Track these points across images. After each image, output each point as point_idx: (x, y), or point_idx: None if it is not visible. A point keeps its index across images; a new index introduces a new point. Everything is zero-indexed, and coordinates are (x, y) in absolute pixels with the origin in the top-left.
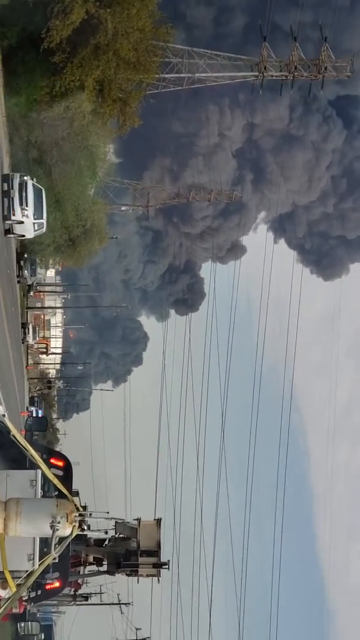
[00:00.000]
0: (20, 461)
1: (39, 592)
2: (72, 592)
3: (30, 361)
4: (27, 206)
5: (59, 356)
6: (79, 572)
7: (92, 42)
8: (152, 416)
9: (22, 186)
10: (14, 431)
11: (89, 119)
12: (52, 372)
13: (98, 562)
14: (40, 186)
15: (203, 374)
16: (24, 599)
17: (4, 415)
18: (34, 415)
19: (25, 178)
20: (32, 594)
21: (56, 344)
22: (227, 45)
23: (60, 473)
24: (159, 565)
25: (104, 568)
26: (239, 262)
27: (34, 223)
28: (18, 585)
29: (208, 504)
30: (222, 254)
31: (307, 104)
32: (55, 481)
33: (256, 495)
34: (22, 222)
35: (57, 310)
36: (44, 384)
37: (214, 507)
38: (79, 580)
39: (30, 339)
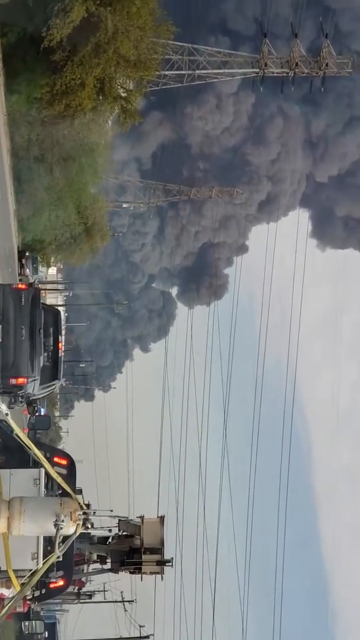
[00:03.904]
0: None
1: (43, 590)
2: (75, 591)
3: None
4: None
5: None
6: (83, 570)
7: (93, 40)
8: (155, 411)
9: None
10: (17, 430)
11: (90, 116)
12: None
13: (102, 560)
14: None
15: (205, 370)
16: (27, 598)
17: (6, 414)
18: (37, 413)
19: None
20: (36, 593)
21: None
22: (228, 42)
23: (63, 471)
24: (162, 563)
25: (108, 566)
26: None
27: None
28: (22, 584)
29: (211, 501)
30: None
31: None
32: (59, 480)
33: (259, 493)
34: None
35: (59, 307)
36: None
37: (217, 504)
38: (83, 579)
39: None
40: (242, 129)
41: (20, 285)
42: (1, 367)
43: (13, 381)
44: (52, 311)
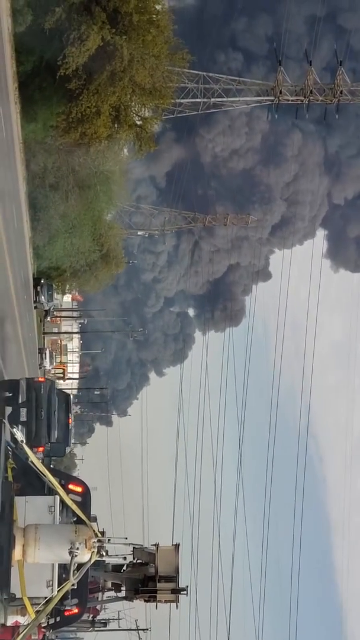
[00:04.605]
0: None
1: (58, 618)
2: (90, 618)
3: None
4: None
5: (76, 381)
6: (97, 598)
7: (108, 68)
8: (170, 437)
9: None
10: (32, 457)
11: (105, 144)
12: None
13: (116, 587)
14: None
15: (220, 397)
16: (42, 625)
17: (22, 442)
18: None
19: None
20: (51, 621)
21: (73, 369)
22: (241, 58)
23: (78, 499)
24: (177, 591)
25: (122, 594)
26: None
27: None
28: (37, 612)
29: (226, 529)
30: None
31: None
32: (74, 507)
33: (274, 521)
34: None
35: (74, 335)
36: None
37: (232, 531)
38: (98, 606)
39: (47, 364)
40: (257, 153)
41: (41, 379)
42: (26, 439)
43: (35, 449)
44: (64, 395)
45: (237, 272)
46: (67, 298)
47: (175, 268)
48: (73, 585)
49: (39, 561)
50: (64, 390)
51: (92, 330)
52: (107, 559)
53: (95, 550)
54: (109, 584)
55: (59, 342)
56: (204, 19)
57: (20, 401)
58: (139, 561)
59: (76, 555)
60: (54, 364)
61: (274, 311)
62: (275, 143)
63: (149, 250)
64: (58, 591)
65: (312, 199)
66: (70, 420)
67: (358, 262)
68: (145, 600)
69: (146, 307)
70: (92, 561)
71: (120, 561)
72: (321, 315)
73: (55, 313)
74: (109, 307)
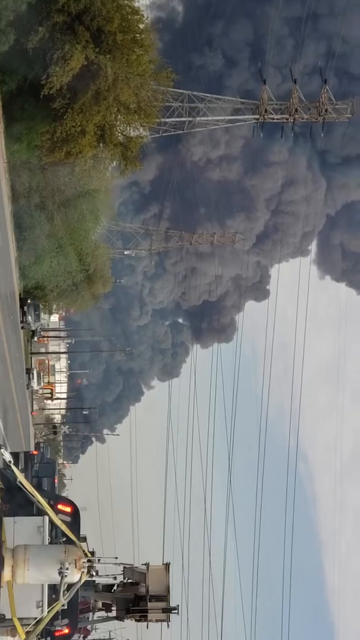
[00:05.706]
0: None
1: (48, 639)
2: (81, 639)
3: (35, 407)
4: None
5: (64, 401)
6: (88, 618)
7: (92, 88)
8: (160, 456)
9: None
10: (20, 478)
11: (90, 164)
12: (58, 417)
13: (107, 607)
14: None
15: (209, 418)
16: None
17: (10, 462)
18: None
19: None
20: None
21: (61, 389)
22: (228, 88)
23: (68, 519)
24: (168, 610)
25: (113, 614)
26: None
27: None
28: (27, 633)
29: (216, 547)
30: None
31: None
32: (63, 527)
33: (264, 539)
34: None
35: (62, 355)
36: (49, 429)
37: (222, 550)
38: (88, 626)
39: (34, 385)
40: (243, 164)
41: (34, 452)
42: None
43: None
44: (51, 461)
45: (228, 288)
46: (54, 318)
47: (163, 280)
48: (63, 605)
49: (28, 582)
50: (50, 459)
51: (79, 351)
52: (97, 579)
53: (85, 570)
54: (100, 604)
55: (46, 362)
56: (188, 26)
57: (19, 468)
58: (129, 581)
59: (66, 576)
60: (42, 384)
61: (263, 327)
62: (262, 152)
63: (136, 263)
64: (48, 612)
65: (307, 213)
66: (55, 480)
67: (343, 269)
68: (136, 620)
69: (131, 320)
70: (82, 581)
71: (110, 581)
72: (310, 332)
73: (42, 333)
74: (96, 321)
